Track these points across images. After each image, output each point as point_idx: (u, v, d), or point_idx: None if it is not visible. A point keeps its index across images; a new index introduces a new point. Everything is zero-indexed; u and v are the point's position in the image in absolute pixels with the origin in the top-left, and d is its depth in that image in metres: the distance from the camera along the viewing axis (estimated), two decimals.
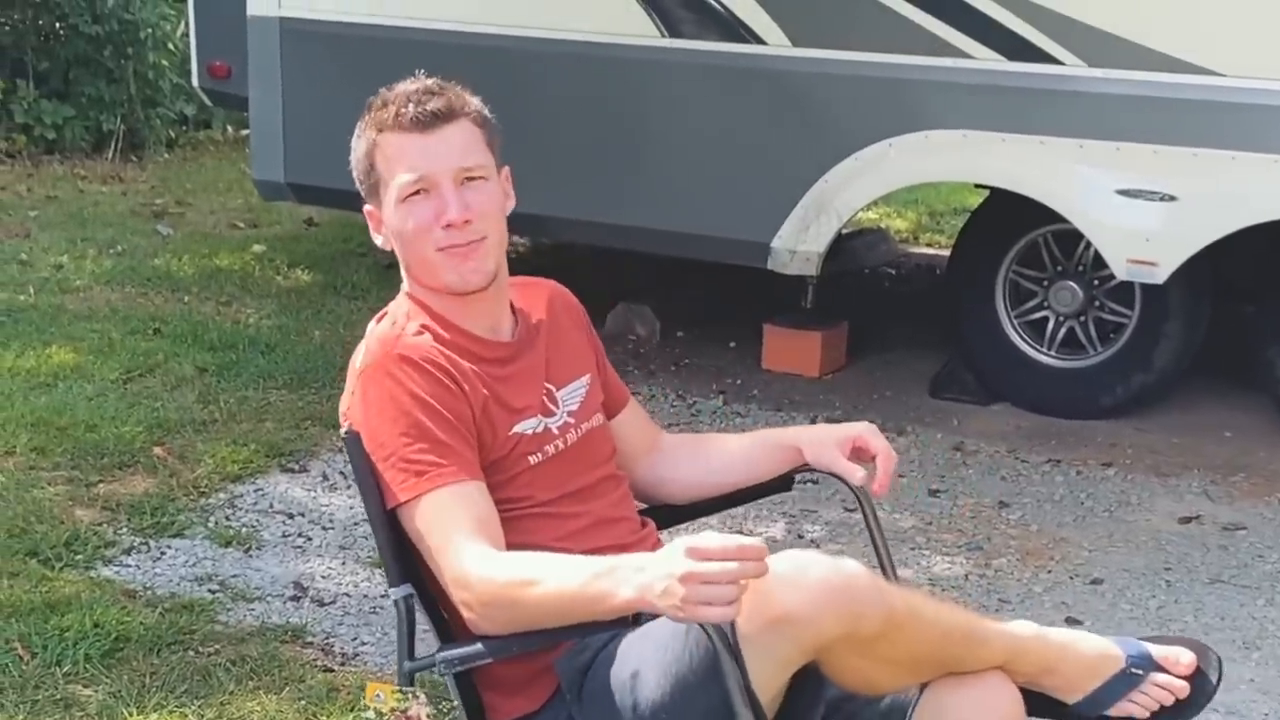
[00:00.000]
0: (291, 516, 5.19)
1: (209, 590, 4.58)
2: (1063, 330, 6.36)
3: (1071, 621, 4.56)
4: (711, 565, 2.08)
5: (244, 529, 5.04)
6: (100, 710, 3.84)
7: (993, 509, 5.43)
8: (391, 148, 2.59)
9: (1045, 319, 6.38)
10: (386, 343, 2.60)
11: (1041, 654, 2.56)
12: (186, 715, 3.84)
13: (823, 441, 2.85)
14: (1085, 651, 2.60)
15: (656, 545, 2.75)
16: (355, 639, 4.36)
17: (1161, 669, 2.59)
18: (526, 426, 2.64)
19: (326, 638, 4.35)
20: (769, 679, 2.32)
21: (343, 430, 2.60)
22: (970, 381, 6.49)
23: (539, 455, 2.65)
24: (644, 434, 3.01)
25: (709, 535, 2.14)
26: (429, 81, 2.65)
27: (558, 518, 2.64)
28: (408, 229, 2.60)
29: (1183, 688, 2.57)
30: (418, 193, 2.58)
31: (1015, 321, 6.40)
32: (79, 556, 4.73)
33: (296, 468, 5.59)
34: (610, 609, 2.23)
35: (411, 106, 2.57)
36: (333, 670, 4.15)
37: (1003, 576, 4.89)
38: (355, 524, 5.09)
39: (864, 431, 2.83)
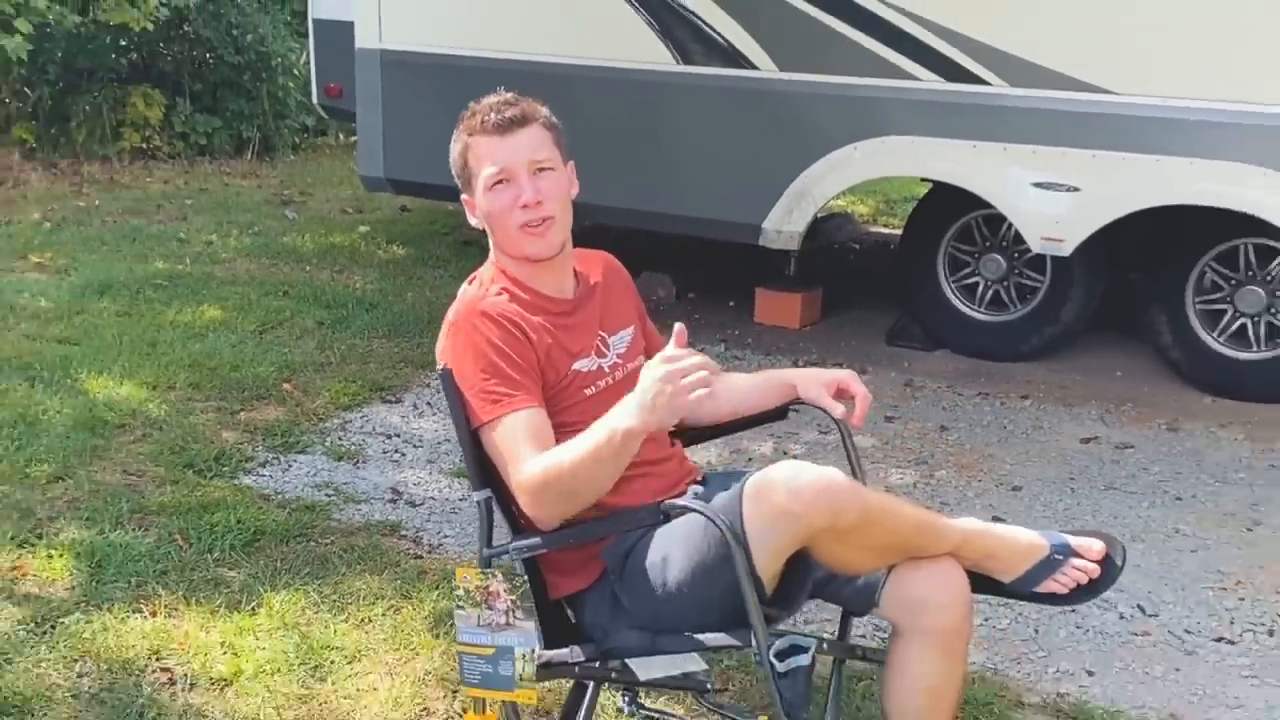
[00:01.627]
0: (389, 437, 5.08)
1: (325, 495, 4.50)
2: (990, 292, 6.27)
3: (997, 520, 4.43)
4: (682, 362, 2.17)
5: (352, 447, 4.94)
6: (242, 588, 3.78)
7: (935, 432, 5.32)
8: (479, 148, 2.55)
9: (976, 283, 6.29)
10: (471, 302, 2.54)
11: (984, 543, 2.53)
12: (309, 592, 3.76)
13: (813, 382, 2.80)
14: (1018, 541, 2.55)
15: (684, 460, 2.78)
16: (439, 533, 4.26)
17: (1078, 555, 2.55)
18: (583, 365, 2.60)
19: (417, 532, 4.26)
20: (768, 563, 2.32)
21: (439, 367, 2.54)
22: (918, 332, 6.42)
23: (593, 388, 2.60)
24: None
25: (669, 348, 2.22)
26: (508, 95, 2.60)
27: None
28: (494, 210, 2.55)
29: (1095, 569, 2.55)
30: (500, 182, 2.52)
31: (953, 285, 6.32)
32: (225, 468, 4.67)
33: (393, 399, 5.49)
34: (624, 441, 2.27)
35: (494, 115, 2.53)
36: (421, 557, 4.07)
37: (943, 485, 4.78)
38: (439, 443, 4.99)
39: (847, 377, 2.78)
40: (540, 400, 2.48)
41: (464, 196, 2.64)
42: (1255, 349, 5.73)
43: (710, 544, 2.32)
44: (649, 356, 2.75)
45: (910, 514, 2.45)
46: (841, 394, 2.75)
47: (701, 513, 2.27)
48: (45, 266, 7.27)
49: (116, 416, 5.00)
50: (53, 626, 3.49)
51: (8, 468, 4.47)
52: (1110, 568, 2.54)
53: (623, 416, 2.25)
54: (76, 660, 3.33)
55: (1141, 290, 6.04)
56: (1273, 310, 5.67)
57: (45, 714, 3.11)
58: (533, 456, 2.37)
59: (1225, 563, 4.18)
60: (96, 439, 4.78)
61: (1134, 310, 6.12)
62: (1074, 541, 2.55)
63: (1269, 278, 5.66)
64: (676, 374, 2.16)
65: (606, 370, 2.63)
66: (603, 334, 2.66)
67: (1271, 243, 5.55)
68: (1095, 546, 2.54)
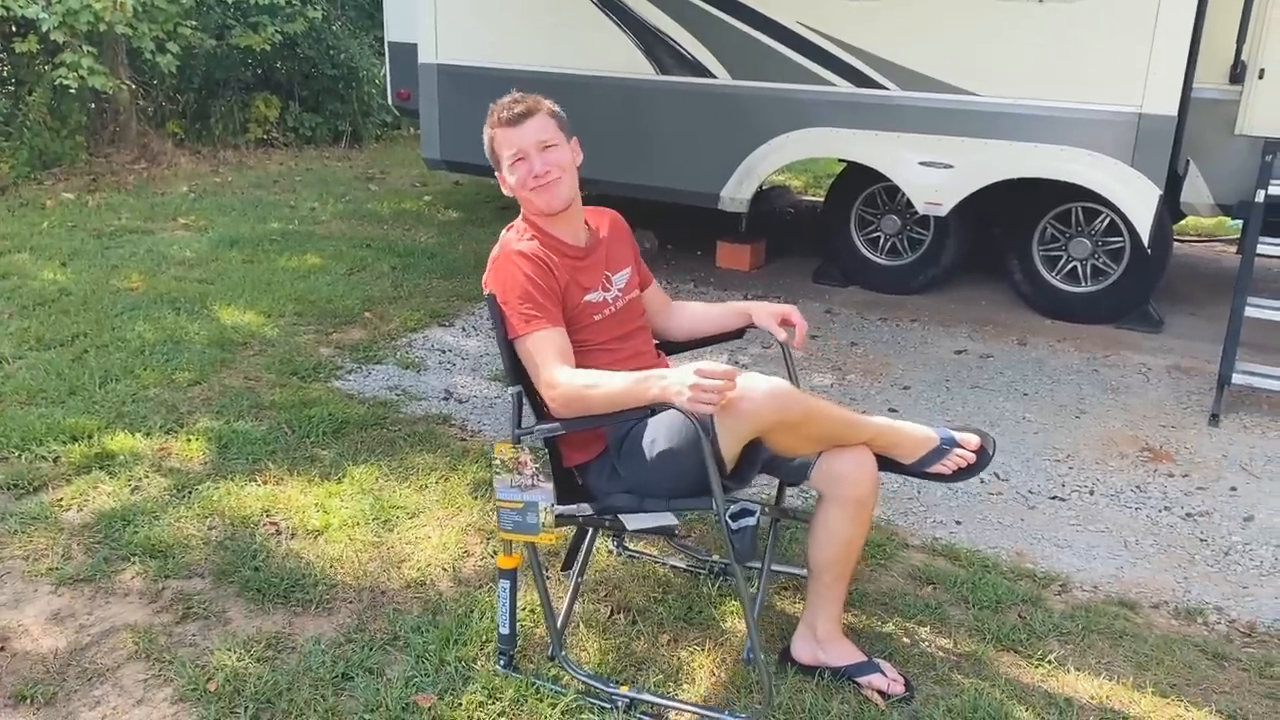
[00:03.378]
0: (444, 352, 4.94)
1: (395, 395, 4.38)
2: (889, 243, 6.12)
3: (892, 411, 4.38)
4: (709, 381, 2.09)
5: (416, 359, 4.81)
6: (331, 463, 3.68)
7: (848, 346, 5.20)
8: (500, 137, 2.50)
9: (878, 237, 6.13)
10: (509, 243, 2.49)
11: (890, 436, 2.49)
12: (381, 466, 3.67)
13: (764, 312, 2.73)
14: (915, 434, 2.52)
15: (666, 364, 2.69)
16: (479, 422, 4.15)
17: (961, 446, 2.52)
18: (593, 297, 2.53)
19: (463, 421, 4.14)
20: (729, 446, 2.29)
21: (485, 293, 2.48)
22: (835, 273, 6.26)
23: (600, 314, 2.54)
24: (660, 301, 2.84)
25: (710, 363, 2.14)
26: (516, 94, 2.52)
27: (610, 351, 2.54)
28: (514, 182, 2.49)
29: (973, 458, 2.52)
30: (518, 160, 2.47)
31: (861, 238, 6.17)
32: (321, 375, 4.55)
33: (448, 324, 5.34)
34: (643, 400, 2.21)
35: (506, 112, 2.48)
36: (465, 440, 3.96)
37: (853, 386, 4.67)
38: (480, 356, 4.87)
39: (790, 311, 2.70)
40: (562, 323, 2.42)
41: (497, 174, 2.56)
42: (1083, 285, 5.62)
43: (686, 433, 2.27)
44: (641, 288, 2.75)
45: (837, 413, 2.41)
46: (785, 323, 2.69)
47: (681, 410, 2.18)
48: (190, 226, 7.09)
49: (240, 337, 4.88)
50: (189, 492, 3.40)
51: (158, 375, 4.37)
52: (983, 456, 2.51)
53: (649, 387, 2.19)
54: (207, 517, 3.25)
55: (1000, 241, 5.90)
56: (1096, 256, 5.56)
57: (184, 556, 3.03)
58: (558, 366, 2.32)
59: (1058, 441, 4.11)
60: (225, 354, 4.66)
61: (994, 255, 5.98)
62: (958, 435, 2.53)
63: (1093, 232, 5.53)
64: (699, 389, 2.09)
65: (610, 301, 2.57)
66: (607, 273, 2.58)
67: (1095, 206, 5.43)
68: (973, 440, 2.53)
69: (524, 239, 2.48)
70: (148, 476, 3.50)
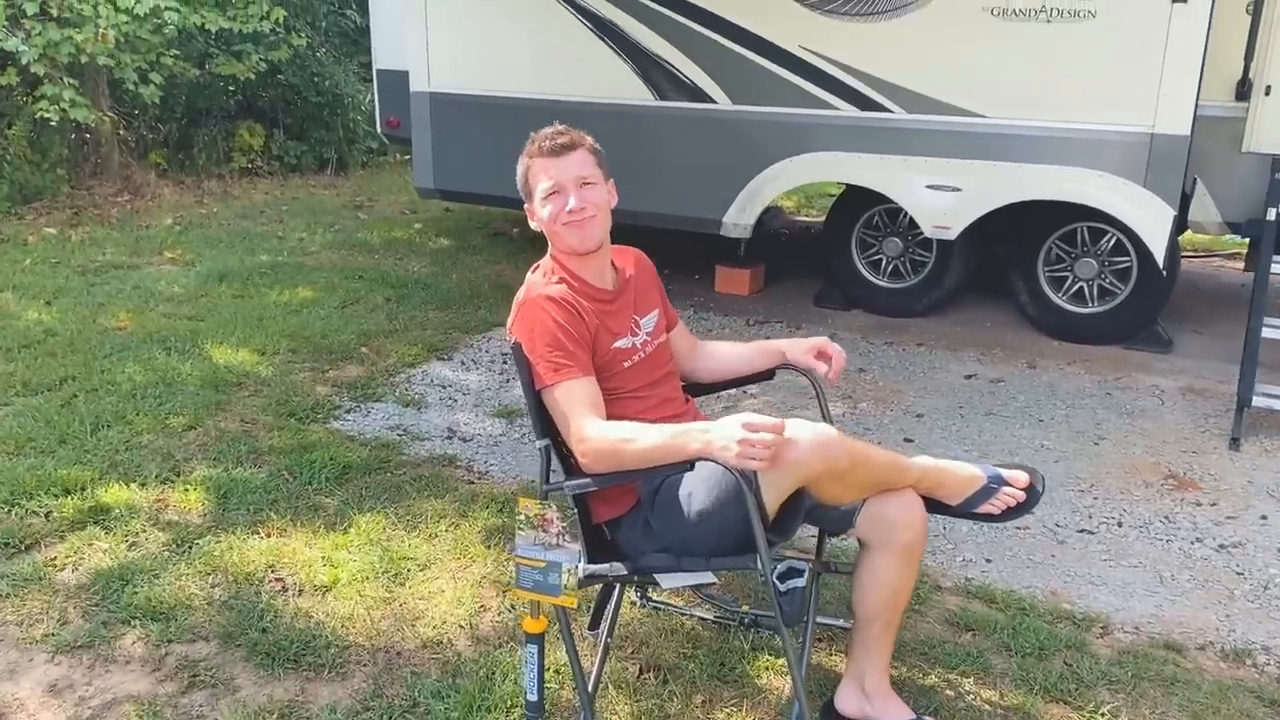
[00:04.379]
0: (444, 387, 4.80)
1: (397, 434, 4.23)
2: (891, 266, 6.02)
3: (907, 440, 4.27)
4: (756, 435, 2.00)
5: (416, 396, 4.66)
6: (336, 512, 3.54)
7: (856, 373, 5.08)
8: (538, 167, 2.37)
9: (880, 259, 6.03)
10: (535, 286, 2.36)
11: (936, 476, 2.38)
12: (387, 514, 3.53)
13: (799, 349, 2.60)
14: (961, 474, 2.41)
15: (697, 413, 2.56)
16: (486, 463, 4.01)
17: (1008, 484, 2.41)
18: (622, 343, 2.40)
19: (469, 462, 4.00)
20: (772, 498, 2.16)
21: (510, 340, 2.34)
22: (838, 296, 6.16)
23: (630, 361, 2.41)
24: (688, 343, 2.72)
25: (756, 415, 2.04)
26: (560, 126, 2.40)
27: (641, 399, 2.42)
28: (548, 215, 2.36)
29: (1021, 496, 2.41)
30: (554, 193, 2.35)
31: (863, 261, 6.07)
32: (319, 416, 4.39)
33: (446, 357, 5.19)
34: (684, 455, 2.09)
35: (549, 141, 2.36)
36: (474, 483, 3.81)
37: (864, 414, 4.56)
38: (483, 391, 4.74)
39: (825, 343, 2.58)
40: (592, 371, 2.29)
41: (526, 205, 2.43)
42: (1090, 305, 5.54)
43: (727, 485, 2.14)
44: (669, 330, 2.61)
45: (884, 457, 2.30)
46: (821, 356, 2.57)
47: (722, 464, 2.06)
48: (176, 260, 6.93)
49: (234, 377, 4.72)
50: (190, 547, 3.25)
51: (151, 420, 4.21)
52: (1032, 494, 2.40)
53: (689, 442, 2.08)
54: (209, 574, 3.10)
55: (1004, 261, 5.82)
56: (1102, 276, 5.47)
57: (187, 618, 2.88)
58: (588, 418, 2.20)
59: (1080, 470, 4.01)
60: (219, 395, 4.51)
61: (999, 276, 5.90)
62: (1005, 473, 2.42)
63: (1099, 252, 5.45)
64: (747, 444, 2.00)
65: (639, 347, 2.44)
66: (635, 317, 2.45)
67: (1101, 225, 5.36)
68: (1022, 478, 2.42)
69: (551, 282, 2.36)
70: (145, 531, 3.34)
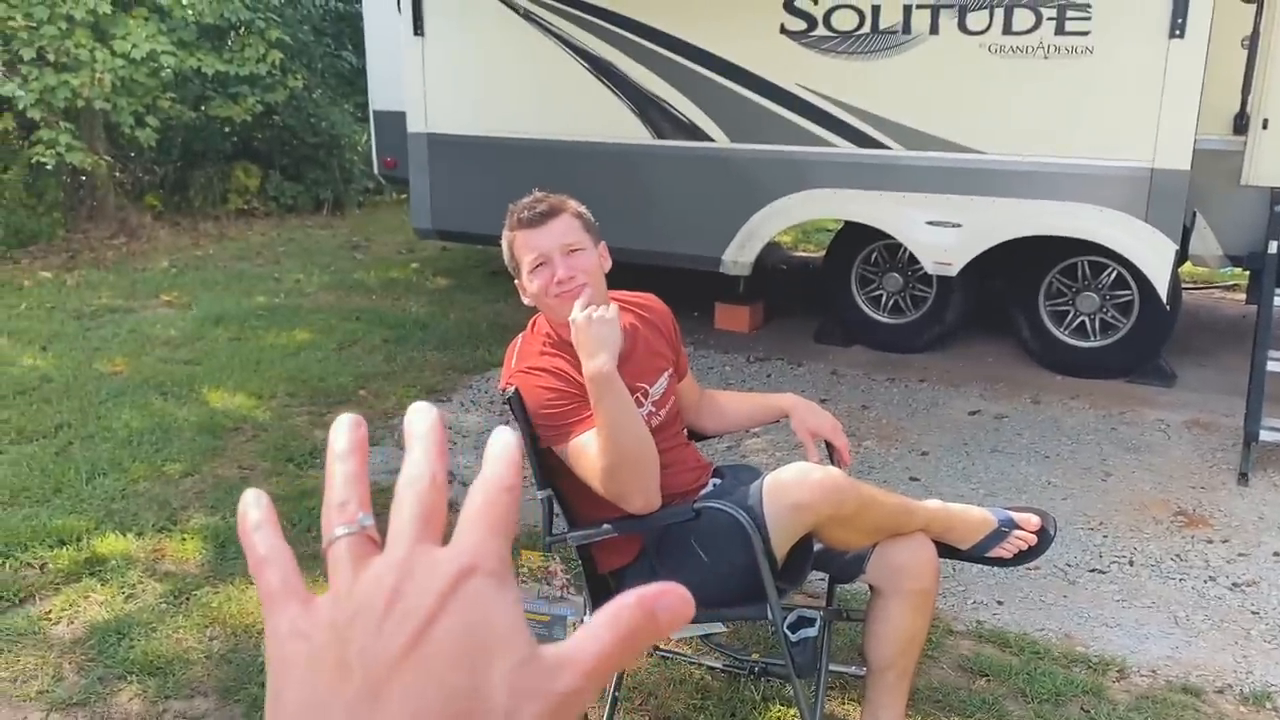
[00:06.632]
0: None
1: (396, 479, 4.11)
2: (891, 301, 6.01)
3: (912, 479, 4.23)
4: (586, 309, 2.10)
5: None
6: None
7: (859, 410, 5.05)
8: (520, 240, 2.25)
9: (881, 294, 6.02)
10: (528, 355, 2.29)
11: (946, 520, 2.34)
12: None
13: (802, 425, 2.46)
14: (972, 517, 2.37)
15: (699, 456, 2.50)
16: None
17: (1020, 528, 2.37)
18: None
19: None
20: (781, 543, 2.16)
21: (509, 391, 2.23)
22: (838, 333, 6.14)
23: None
24: (694, 393, 2.64)
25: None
26: (538, 194, 2.29)
27: None
28: (536, 289, 2.24)
29: (1033, 539, 2.37)
30: (540, 265, 2.22)
31: (862, 296, 6.06)
32: (317, 460, 4.33)
33: (445, 399, 5.15)
34: (603, 383, 2.10)
35: (527, 212, 2.24)
36: None
37: (869, 452, 4.52)
38: (482, 434, 4.67)
39: (830, 430, 2.46)
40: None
41: (516, 281, 2.31)
42: (1092, 339, 5.52)
43: (734, 532, 2.12)
44: (679, 378, 2.54)
45: (893, 501, 2.27)
46: (816, 436, 2.44)
47: (730, 513, 2.04)
48: (173, 303, 6.91)
49: (231, 422, 4.68)
50: (187, 599, 3.20)
51: (148, 467, 4.16)
52: (1044, 537, 2.36)
53: (593, 386, 2.08)
54: (207, 626, 3.05)
55: (1005, 296, 5.81)
56: (1104, 310, 5.46)
57: (184, 673, 2.82)
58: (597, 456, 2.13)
59: (1089, 507, 3.97)
60: (216, 441, 4.46)
61: (1000, 311, 5.88)
62: (1017, 516, 2.38)
63: (1100, 285, 5.45)
64: (584, 320, 2.07)
65: (646, 417, 2.32)
66: (643, 385, 2.34)
67: (1101, 259, 5.35)
68: (1033, 521, 2.38)
69: (545, 353, 2.27)
70: (141, 582, 3.29)
